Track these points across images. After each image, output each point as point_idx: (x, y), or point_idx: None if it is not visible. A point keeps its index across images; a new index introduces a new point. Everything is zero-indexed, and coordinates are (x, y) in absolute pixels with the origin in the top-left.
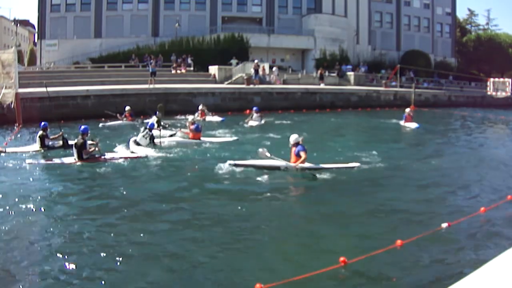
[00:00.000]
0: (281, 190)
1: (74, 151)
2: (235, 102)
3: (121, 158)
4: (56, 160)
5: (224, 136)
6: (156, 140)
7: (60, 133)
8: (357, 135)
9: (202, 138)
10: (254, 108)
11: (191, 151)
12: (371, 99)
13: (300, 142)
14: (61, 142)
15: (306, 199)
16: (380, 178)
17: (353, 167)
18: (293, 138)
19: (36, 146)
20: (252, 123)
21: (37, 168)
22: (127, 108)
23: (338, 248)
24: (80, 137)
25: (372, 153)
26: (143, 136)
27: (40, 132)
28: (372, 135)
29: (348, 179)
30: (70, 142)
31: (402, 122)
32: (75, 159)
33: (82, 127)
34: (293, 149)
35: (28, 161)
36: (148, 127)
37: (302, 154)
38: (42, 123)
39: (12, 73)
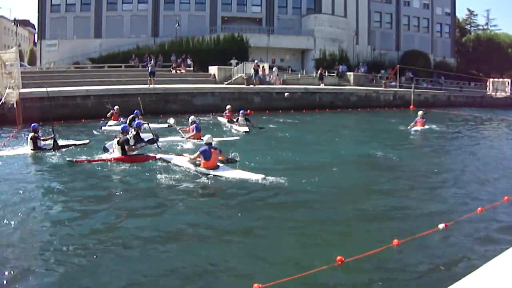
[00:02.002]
0: (278, 189)
1: (118, 148)
2: (235, 102)
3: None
4: (102, 156)
5: (226, 136)
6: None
7: (52, 135)
8: (356, 135)
9: (202, 138)
10: (241, 111)
11: (191, 151)
12: (370, 99)
13: (213, 143)
14: (52, 143)
15: (303, 198)
16: (377, 178)
17: (255, 180)
18: (205, 138)
19: (28, 148)
20: (240, 128)
21: (35, 167)
22: (116, 107)
23: (335, 247)
24: (120, 134)
25: (368, 153)
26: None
27: (31, 134)
28: (370, 135)
29: (345, 178)
30: (60, 143)
31: (413, 129)
32: (112, 157)
33: (122, 125)
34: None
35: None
36: (135, 126)
37: (195, 154)
38: (32, 124)
39: (14, 73)
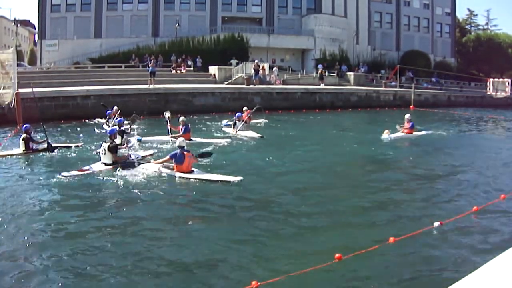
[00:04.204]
0: (277, 189)
1: (108, 155)
2: (235, 102)
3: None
4: (91, 169)
5: (217, 137)
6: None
7: (45, 139)
8: (354, 135)
9: (192, 138)
10: (237, 114)
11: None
12: (370, 99)
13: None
14: (45, 145)
15: (302, 197)
16: (374, 177)
17: (230, 181)
18: (178, 141)
19: (20, 149)
20: (241, 132)
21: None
22: (115, 108)
23: (333, 245)
24: (108, 139)
25: (366, 153)
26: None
27: (24, 135)
28: (367, 135)
29: (342, 177)
30: (54, 145)
31: (384, 136)
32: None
33: (109, 129)
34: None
35: (63, 174)
36: (117, 123)
37: (164, 157)
38: (24, 125)
39: (11, 73)
